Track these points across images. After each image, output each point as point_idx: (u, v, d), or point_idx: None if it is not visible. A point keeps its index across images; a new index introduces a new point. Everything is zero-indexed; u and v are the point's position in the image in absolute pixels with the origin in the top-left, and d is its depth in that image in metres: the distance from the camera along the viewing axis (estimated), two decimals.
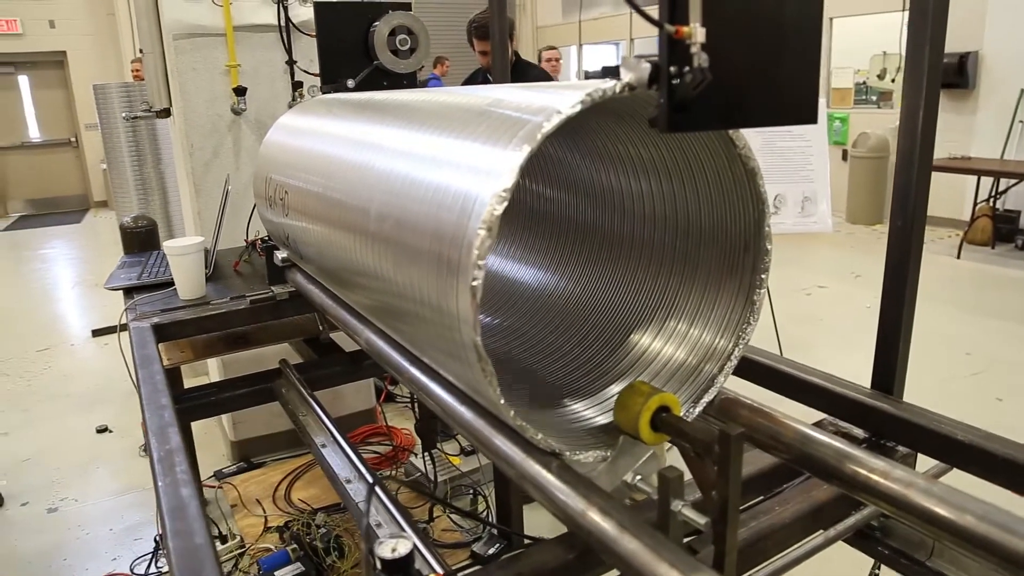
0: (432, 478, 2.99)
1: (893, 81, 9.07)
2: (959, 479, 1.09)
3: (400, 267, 1.08)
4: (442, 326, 0.98)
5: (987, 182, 7.33)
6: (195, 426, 2.80)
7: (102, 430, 3.99)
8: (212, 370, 3.66)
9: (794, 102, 0.94)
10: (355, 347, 2.61)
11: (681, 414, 1.02)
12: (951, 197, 7.89)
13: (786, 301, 5.77)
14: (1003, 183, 7.24)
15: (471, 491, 3.04)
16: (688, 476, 0.95)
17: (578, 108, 0.84)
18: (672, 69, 0.82)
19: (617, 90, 0.86)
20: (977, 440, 1.11)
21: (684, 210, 1.13)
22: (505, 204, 0.82)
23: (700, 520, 0.84)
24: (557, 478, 0.89)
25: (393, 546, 0.89)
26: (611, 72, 0.90)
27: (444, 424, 3.53)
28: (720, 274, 1.11)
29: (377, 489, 1.18)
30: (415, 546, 0.92)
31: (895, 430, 1.21)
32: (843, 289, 6.29)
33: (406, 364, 1.28)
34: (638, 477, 0.98)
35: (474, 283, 0.83)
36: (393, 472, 3.34)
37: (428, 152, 1.11)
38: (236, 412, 3.41)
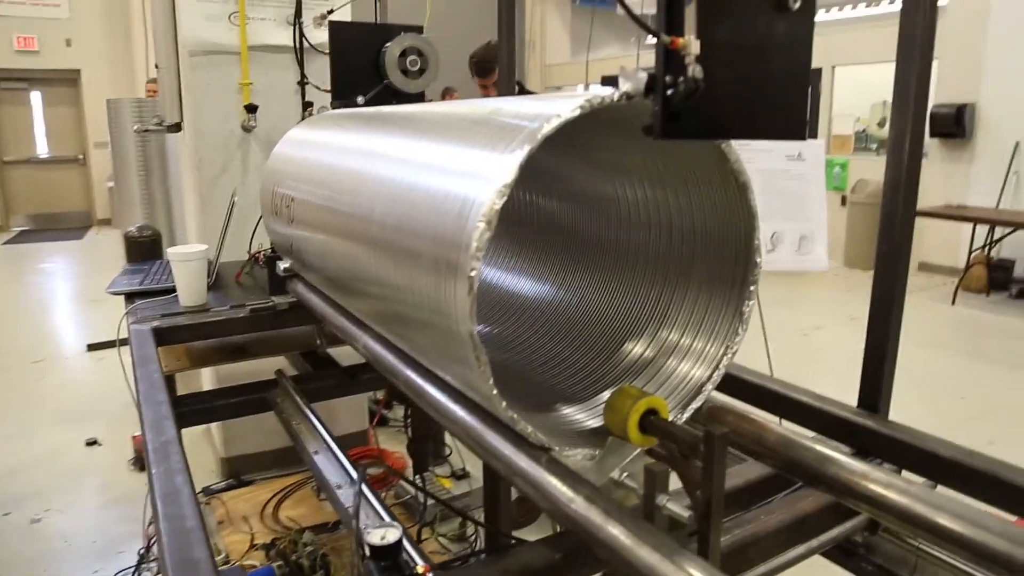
0: (422, 500, 2.98)
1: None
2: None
3: (401, 267, 1.11)
4: (440, 326, 1.00)
5: (982, 230, 7.41)
6: (186, 442, 2.79)
7: (92, 443, 3.98)
8: (206, 384, 3.67)
9: (783, 119, 0.98)
10: (351, 362, 2.63)
11: (669, 419, 1.04)
12: (947, 245, 7.97)
13: (783, 341, 5.78)
14: (998, 232, 7.32)
15: (461, 515, 3.03)
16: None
17: (577, 112, 0.88)
18: (667, 78, 0.86)
19: (615, 98, 0.90)
20: (960, 456, 1.14)
21: (679, 220, 1.17)
22: (504, 199, 0.85)
23: (684, 513, 0.86)
24: (546, 470, 0.91)
25: (382, 534, 0.91)
26: (610, 82, 0.94)
27: (436, 447, 3.53)
28: (712, 285, 1.15)
29: (364, 488, 1.19)
30: (403, 537, 0.93)
31: (880, 446, 1.23)
32: (839, 331, 6.32)
33: (402, 367, 1.30)
34: (625, 474, 1.00)
35: (472, 273, 0.86)
36: (384, 494, 3.33)
37: (430, 159, 1.15)
38: (227, 429, 3.42)
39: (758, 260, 1.10)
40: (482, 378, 0.90)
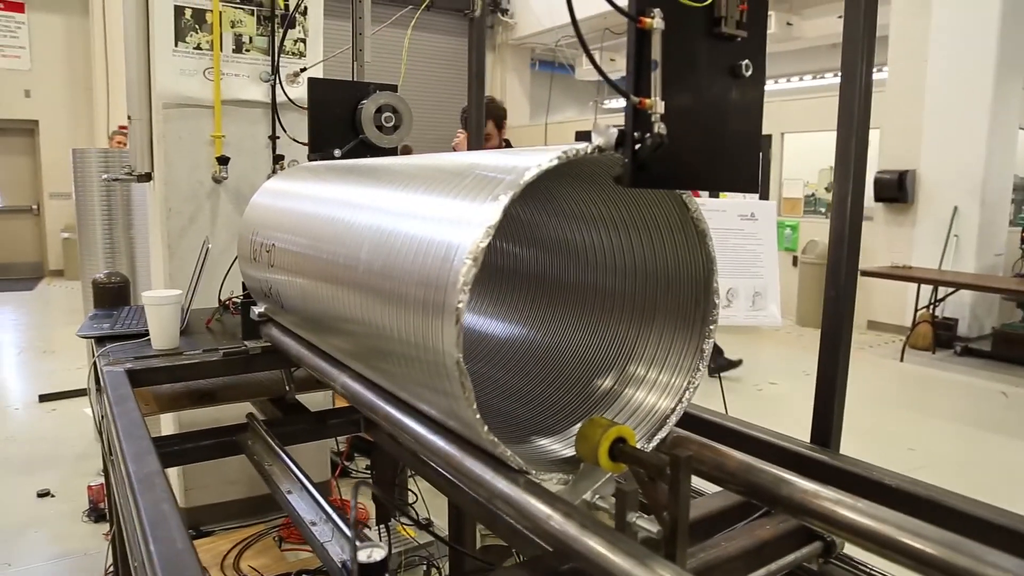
0: (387, 548, 2.97)
1: None
2: None
3: (387, 307, 1.18)
4: (426, 359, 1.07)
5: (927, 290, 7.74)
6: None
7: (44, 494, 3.88)
8: (166, 432, 3.62)
9: (738, 173, 1.09)
10: (320, 407, 2.65)
11: (637, 447, 1.12)
12: (894, 304, 8.29)
13: (740, 396, 5.94)
14: (941, 291, 7.65)
15: (425, 563, 3.03)
16: None
17: (555, 162, 0.98)
18: (636, 134, 0.97)
19: (588, 150, 1.00)
20: (904, 484, 1.23)
21: (642, 265, 1.27)
22: (489, 238, 0.94)
23: (653, 528, 0.92)
24: (524, 491, 0.98)
25: (368, 553, 0.96)
26: (584, 137, 1.05)
27: (400, 495, 3.52)
28: (674, 324, 1.24)
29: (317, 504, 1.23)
30: (388, 557, 0.98)
31: (832, 477, 1.31)
32: (794, 386, 6.50)
33: (381, 403, 1.36)
34: (597, 496, 1.06)
35: (459, 305, 0.94)
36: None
37: (414, 208, 1.23)
38: (188, 479, 3.38)
39: (717, 301, 1.19)
40: (466, 404, 0.97)
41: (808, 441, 1.48)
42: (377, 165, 1.68)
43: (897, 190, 8.20)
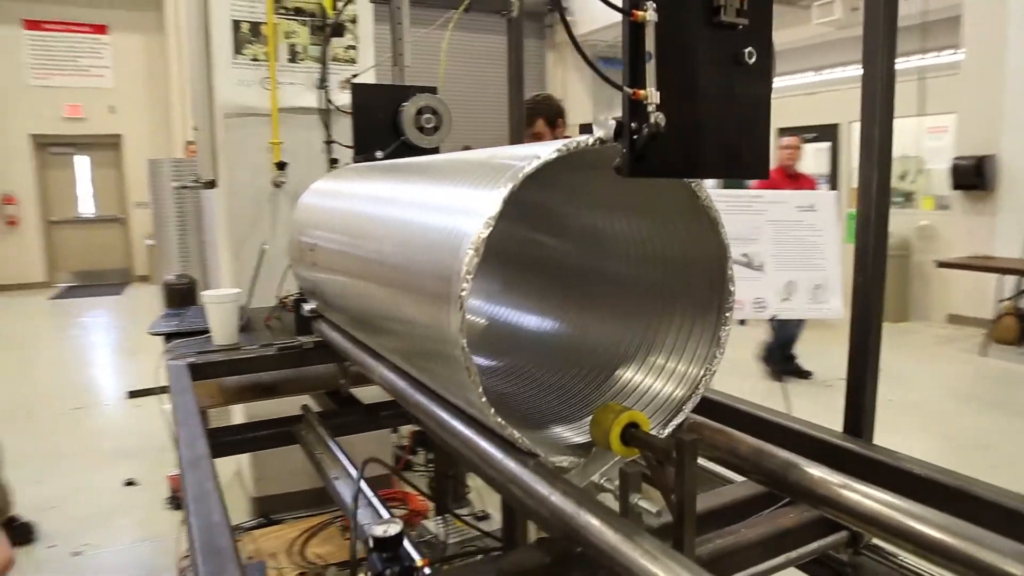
0: (444, 539, 3.04)
1: (914, 182, 9.25)
2: None
3: (408, 302, 1.24)
4: (439, 351, 1.12)
5: (1011, 281, 7.35)
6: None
7: (129, 483, 4.13)
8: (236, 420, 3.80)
9: (744, 159, 1.10)
10: (372, 400, 2.75)
11: (650, 432, 1.14)
12: (976, 296, 7.89)
13: (807, 393, 5.79)
14: None
15: (480, 554, 3.09)
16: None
17: (555, 155, 1.01)
18: (632, 125, 1.00)
19: (589, 142, 1.03)
20: (932, 474, 1.21)
21: (661, 254, 1.29)
22: (490, 229, 0.98)
23: (653, 509, 0.95)
24: (532, 472, 1.02)
25: (385, 528, 1.02)
26: (587, 129, 1.08)
27: (456, 487, 3.60)
28: (694, 312, 1.25)
29: (362, 484, 1.30)
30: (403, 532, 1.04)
31: (861, 468, 1.30)
32: None
33: (412, 391, 1.42)
34: (605, 479, 1.09)
35: (462, 293, 0.98)
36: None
37: (430, 200, 1.30)
38: (258, 470, 3.55)
39: (732, 289, 1.20)
40: (472, 387, 1.01)
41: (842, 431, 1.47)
42: (411, 162, 1.75)
43: (975, 177, 7.82)
